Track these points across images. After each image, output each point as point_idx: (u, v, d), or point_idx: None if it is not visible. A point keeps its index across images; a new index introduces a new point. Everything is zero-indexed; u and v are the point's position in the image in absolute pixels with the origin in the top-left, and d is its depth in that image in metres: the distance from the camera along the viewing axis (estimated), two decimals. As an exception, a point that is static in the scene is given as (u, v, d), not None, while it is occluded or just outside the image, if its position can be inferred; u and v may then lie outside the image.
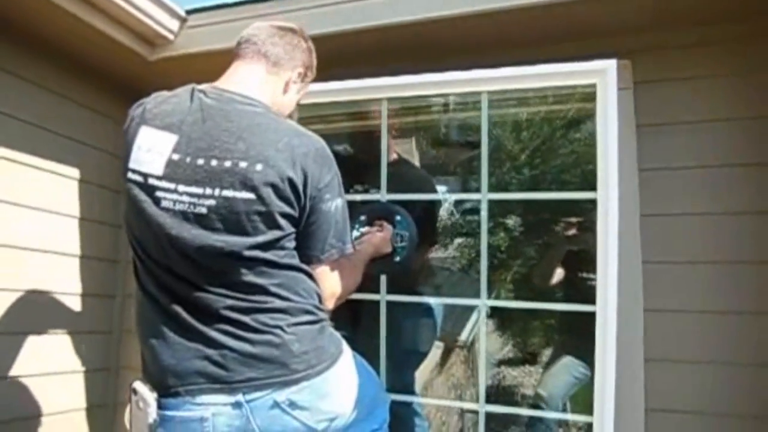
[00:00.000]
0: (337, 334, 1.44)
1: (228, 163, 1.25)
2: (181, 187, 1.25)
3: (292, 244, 1.33)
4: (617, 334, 1.86)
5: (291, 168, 1.27)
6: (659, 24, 1.98)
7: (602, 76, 1.89)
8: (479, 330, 3.69)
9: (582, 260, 2.91)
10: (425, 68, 2.13)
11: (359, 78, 2.15)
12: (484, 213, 2.07)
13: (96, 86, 2.54)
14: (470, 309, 3.85)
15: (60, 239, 2.39)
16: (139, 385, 1.31)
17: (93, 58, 2.38)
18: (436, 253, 4.08)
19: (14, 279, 2.17)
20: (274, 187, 1.25)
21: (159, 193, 1.26)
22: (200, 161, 1.25)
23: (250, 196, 1.24)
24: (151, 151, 1.27)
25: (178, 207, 1.25)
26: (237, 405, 1.25)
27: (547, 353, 4.16)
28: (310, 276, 1.37)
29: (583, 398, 2.65)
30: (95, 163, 2.54)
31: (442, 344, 3.45)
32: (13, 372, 2.17)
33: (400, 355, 2.30)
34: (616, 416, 1.84)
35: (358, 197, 2.21)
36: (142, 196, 1.27)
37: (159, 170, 1.26)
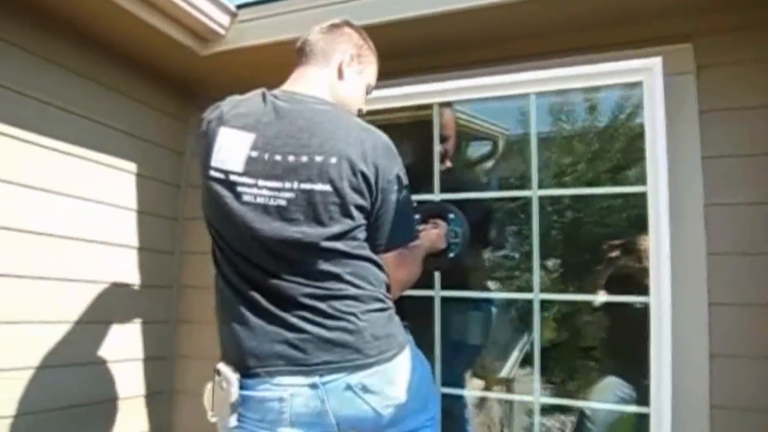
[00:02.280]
0: (401, 324, 1.48)
1: (304, 158, 1.33)
2: (261, 182, 1.34)
3: (363, 235, 1.40)
4: (679, 328, 1.83)
5: (363, 161, 1.35)
6: (724, 5, 1.88)
7: (648, 73, 1.89)
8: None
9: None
10: (475, 59, 2.14)
11: (408, 70, 2.19)
12: (535, 209, 2.14)
13: (150, 82, 2.59)
14: (511, 345, 3.91)
15: (120, 232, 2.45)
16: (222, 366, 1.37)
17: (147, 54, 2.43)
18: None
19: (78, 270, 2.23)
20: (349, 180, 1.34)
21: (240, 188, 1.34)
22: (278, 157, 1.34)
23: (327, 188, 1.32)
24: (231, 149, 1.36)
25: (259, 200, 1.33)
26: (313, 386, 1.30)
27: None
28: (379, 266, 1.44)
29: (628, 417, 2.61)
30: (151, 156, 2.61)
31: (482, 382, 3.49)
32: (83, 359, 2.26)
33: (452, 349, 2.32)
34: (680, 412, 1.81)
35: (413, 197, 2.24)
36: (224, 192, 1.35)
37: (239, 167, 1.35)
